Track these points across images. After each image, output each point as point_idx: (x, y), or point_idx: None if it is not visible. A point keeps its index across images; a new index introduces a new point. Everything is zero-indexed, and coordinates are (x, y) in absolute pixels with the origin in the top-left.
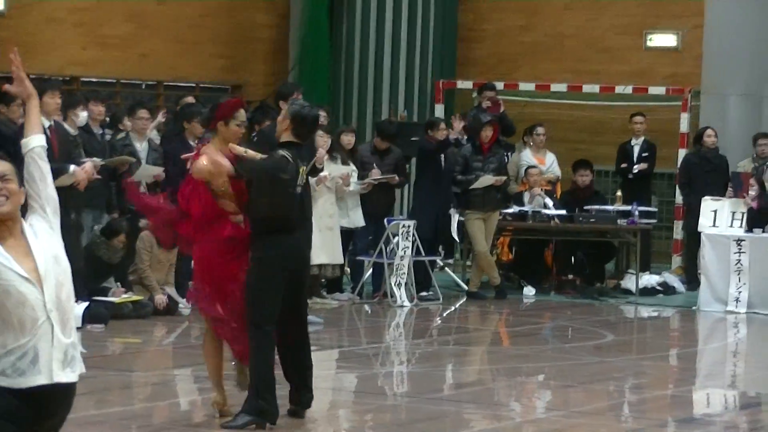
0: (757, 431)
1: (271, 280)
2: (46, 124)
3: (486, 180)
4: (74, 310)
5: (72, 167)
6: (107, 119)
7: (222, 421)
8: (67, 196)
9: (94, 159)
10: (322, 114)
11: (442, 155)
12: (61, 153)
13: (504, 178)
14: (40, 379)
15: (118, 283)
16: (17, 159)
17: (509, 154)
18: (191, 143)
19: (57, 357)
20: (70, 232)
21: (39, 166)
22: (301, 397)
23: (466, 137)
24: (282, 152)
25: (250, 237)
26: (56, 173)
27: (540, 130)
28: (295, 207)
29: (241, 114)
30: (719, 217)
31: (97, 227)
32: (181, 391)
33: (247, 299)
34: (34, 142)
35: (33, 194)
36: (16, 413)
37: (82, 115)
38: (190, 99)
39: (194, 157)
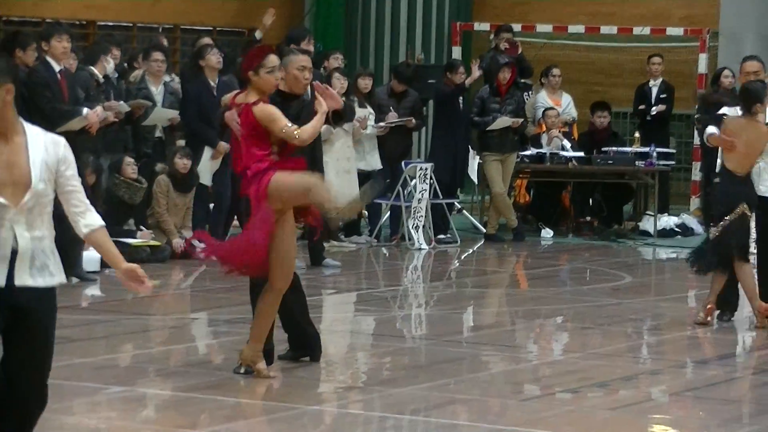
0: None
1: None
2: (56, 68)
3: (503, 121)
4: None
5: (85, 110)
6: (125, 65)
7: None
8: (84, 139)
9: (121, 103)
10: (339, 57)
11: (460, 98)
12: (70, 98)
13: (521, 120)
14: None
15: (142, 227)
16: (25, 100)
17: (529, 93)
18: (211, 83)
19: (22, 260)
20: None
21: (81, 211)
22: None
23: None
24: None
25: None
26: (69, 116)
27: (555, 71)
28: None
29: (271, 60)
30: None
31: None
32: (198, 334)
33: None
34: (98, 221)
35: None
36: None
37: (112, 62)
38: (207, 40)
39: (231, 103)
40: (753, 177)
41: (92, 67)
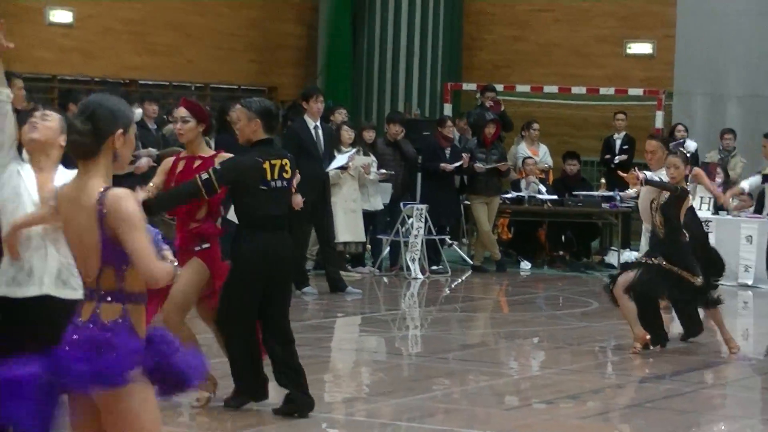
0: (723, 386)
1: (246, 278)
2: None
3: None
4: None
5: (143, 160)
6: (165, 117)
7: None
8: (129, 182)
9: (150, 150)
10: (343, 111)
11: (448, 150)
12: None
13: (509, 163)
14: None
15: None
16: None
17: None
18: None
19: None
20: None
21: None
22: (298, 401)
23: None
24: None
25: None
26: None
27: (535, 125)
28: (270, 204)
29: (179, 111)
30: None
31: None
32: None
33: (224, 297)
34: None
35: None
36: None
37: (137, 112)
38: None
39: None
40: None
41: None
